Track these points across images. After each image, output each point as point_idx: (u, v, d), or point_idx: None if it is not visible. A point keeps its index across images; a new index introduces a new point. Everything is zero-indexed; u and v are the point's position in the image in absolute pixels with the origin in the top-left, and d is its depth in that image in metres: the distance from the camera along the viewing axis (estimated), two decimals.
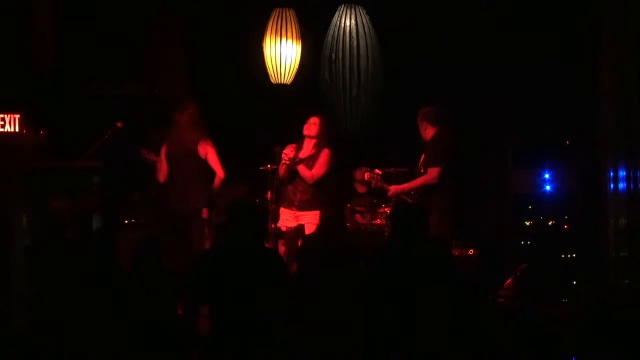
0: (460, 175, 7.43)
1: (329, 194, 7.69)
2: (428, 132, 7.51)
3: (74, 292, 5.70)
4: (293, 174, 7.52)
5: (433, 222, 7.06)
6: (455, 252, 7.67)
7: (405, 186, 7.54)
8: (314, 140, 7.59)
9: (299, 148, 7.61)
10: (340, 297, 5.58)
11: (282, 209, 7.55)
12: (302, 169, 7.49)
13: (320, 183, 7.57)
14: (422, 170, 7.50)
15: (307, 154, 7.60)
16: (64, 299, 5.69)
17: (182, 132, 7.53)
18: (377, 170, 7.74)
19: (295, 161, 7.44)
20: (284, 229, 7.49)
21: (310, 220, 7.53)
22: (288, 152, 7.43)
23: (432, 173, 7.35)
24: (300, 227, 7.51)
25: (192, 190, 7.49)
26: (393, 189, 7.57)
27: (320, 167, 7.52)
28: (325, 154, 7.55)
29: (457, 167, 7.37)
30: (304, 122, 7.62)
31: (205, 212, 7.47)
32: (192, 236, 7.41)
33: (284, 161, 7.44)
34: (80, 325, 5.53)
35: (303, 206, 7.53)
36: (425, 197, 7.41)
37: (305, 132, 7.61)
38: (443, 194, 7.32)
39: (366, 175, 7.73)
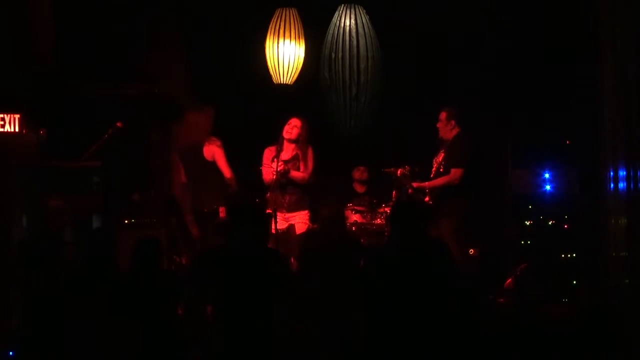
0: (477, 177, 7.47)
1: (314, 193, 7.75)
2: (453, 131, 7.51)
3: (72, 293, 5.70)
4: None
5: (453, 226, 7.12)
6: (472, 252, 7.69)
7: (426, 184, 7.56)
8: (295, 143, 7.59)
9: (279, 149, 7.61)
10: (340, 296, 5.59)
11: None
12: (294, 174, 7.49)
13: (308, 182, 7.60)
14: (441, 170, 7.50)
15: (291, 154, 7.61)
16: (62, 300, 5.69)
17: (191, 133, 7.58)
18: (407, 167, 7.71)
19: (286, 171, 7.44)
20: (273, 231, 7.48)
21: (300, 220, 7.55)
22: (276, 166, 7.42)
23: (457, 174, 7.38)
24: (291, 227, 7.53)
25: (204, 189, 7.53)
26: (415, 185, 7.57)
27: (310, 165, 7.54)
28: (310, 152, 7.59)
29: (476, 169, 7.42)
30: (284, 123, 7.62)
31: (222, 211, 7.49)
32: (209, 235, 7.45)
33: (274, 176, 7.42)
34: (79, 325, 5.53)
35: (292, 207, 7.54)
36: (445, 199, 7.41)
37: (286, 135, 7.61)
38: (464, 196, 7.36)
39: (399, 172, 7.68)
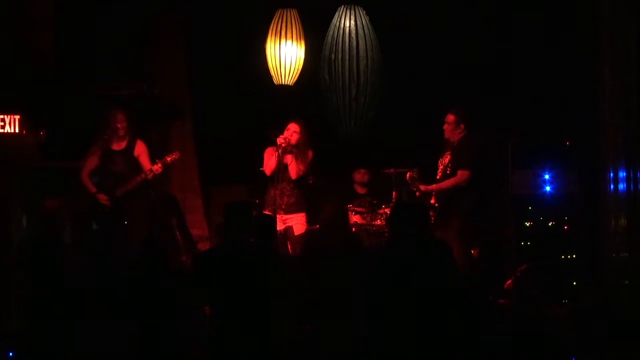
0: (483, 179, 7.47)
1: (311, 196, 7.75)
2: (461, 133, 7.49)
3: (72, 292, 5.70)
4: (278, 175, 7.51)
5: (459, 227, 7.13)
6: (472, 252, 7.69)
7: (434, 186, 7.54)
8: (294, 148, 7.61)
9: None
10: (340, 297, 5.59)
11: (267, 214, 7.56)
12: (291, 159, 7.50)
13: (303, 183, 7.59)
14: (448, 172, 7.48)
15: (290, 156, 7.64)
16: (62, 300, 5.69)
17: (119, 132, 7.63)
18: (414, 169, 7.69)
19: (290, 145, 7.45)
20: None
21: (297, 222, 7.56)
22: (284, 136, 7.48)
23: (464, 175, 7.38)
24: (289, 229, 7.53)
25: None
26: (423, 188, 7.55)
27: (305, 162, 7.55)
28: (311, 155, 7.64)
29: (481, 171, 7.42)
30: (282, 128, 7.62)
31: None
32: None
33: (280, 143, 7.44)
34: (79, 325, 5.53)
35: (290, 209, 7.56)
36: (451, 201, 7.41)
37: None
38: (469, 198, 7.36)
39: (407, 176, 7.68)
